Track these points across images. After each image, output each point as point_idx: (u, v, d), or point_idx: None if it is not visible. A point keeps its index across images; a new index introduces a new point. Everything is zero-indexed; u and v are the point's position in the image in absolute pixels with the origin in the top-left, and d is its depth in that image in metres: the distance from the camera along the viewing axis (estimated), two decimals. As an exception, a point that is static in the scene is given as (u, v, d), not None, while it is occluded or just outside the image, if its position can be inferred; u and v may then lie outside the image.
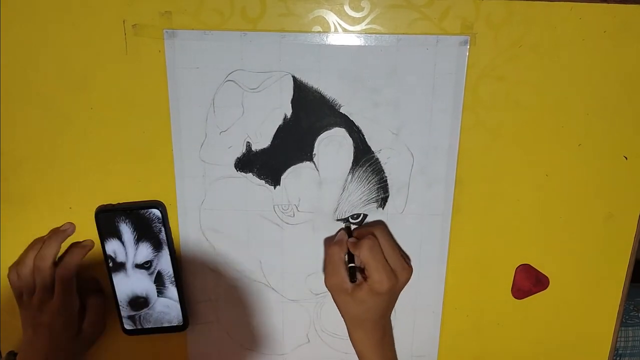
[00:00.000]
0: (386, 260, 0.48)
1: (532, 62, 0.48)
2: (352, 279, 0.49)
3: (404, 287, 0.50)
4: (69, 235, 0.53)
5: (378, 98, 0.49)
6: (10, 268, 0.53)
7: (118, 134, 0.51)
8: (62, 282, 0.51)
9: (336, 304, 0.52)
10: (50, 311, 0.51)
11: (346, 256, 0.50)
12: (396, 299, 0.52)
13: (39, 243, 0.53)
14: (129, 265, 0.53)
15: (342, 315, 0.52)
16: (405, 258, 0.52)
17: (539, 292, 0.55)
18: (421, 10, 0.47)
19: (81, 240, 0.54)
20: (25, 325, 0.53)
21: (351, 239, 0.50)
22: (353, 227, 0.53)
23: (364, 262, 0.48)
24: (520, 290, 0.55)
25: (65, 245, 0.54)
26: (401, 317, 0.57)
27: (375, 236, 0.49)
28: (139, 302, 0.55)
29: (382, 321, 0.51)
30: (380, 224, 0.53)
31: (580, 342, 0.59)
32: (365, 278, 0.49)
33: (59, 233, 0.53)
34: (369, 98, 0.49)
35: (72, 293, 0.52)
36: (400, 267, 0.49)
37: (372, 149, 0.51)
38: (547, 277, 0.55)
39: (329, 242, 0.53)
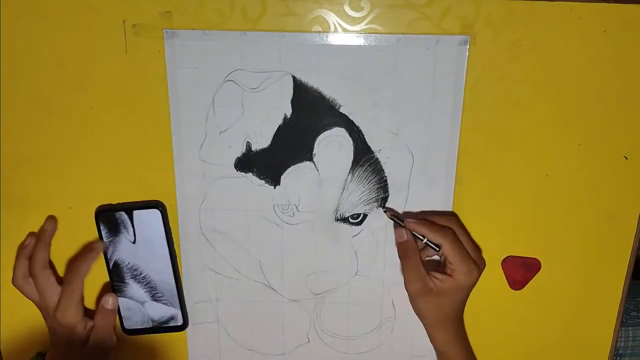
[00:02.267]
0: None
1: (532, 62, 0.48)
2: (436, 249, 0.48)
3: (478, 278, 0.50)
4: (53, 232, 0.52)
5: (378, 98, 0.49)
6: (13, 282, 0.52)
7: (118, 134, 0.51)
8: (69, 284, 0.50)
9: (417, 308, 0.51)
10: (57, 317, 0.50)
11: (419, 240, 0.49)
12: (469, 294, 0.51)
13: (23, 250, 0.52)
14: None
15: (422, 318, 0.51)
16: (479, 250, 0.52)
17: (534, 276, 0.55)
18: (421, 10, 0.47)
19: (92, 242, 0.53)
20: (49, 329, 0.52)
21: (421, 222, 0.49)
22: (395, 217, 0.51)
23: (447, 255, 0.48)
24: (516, 281, 0.55)
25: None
26: (401, 317, 0.57)
27: (452, 228, 0.49)
28: (133, 307, 0.54)
29: (461, 317, 0.52)
30: (452, 215, 0.53)
31: (580, 342, 0.59)
32: (448, 273, 0.48)
33: (42, 234, 0.52)
34: (369, 98, 0.49)
35: (77, 299, 0.50)
36: (478, 258, 0.49)
37: (372, 149, 0.51)
38: (535, 259, 0.55)
39: (400, 251, 0.51)
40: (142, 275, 0.53)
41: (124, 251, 0.52)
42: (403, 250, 0.50)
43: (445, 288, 0.48)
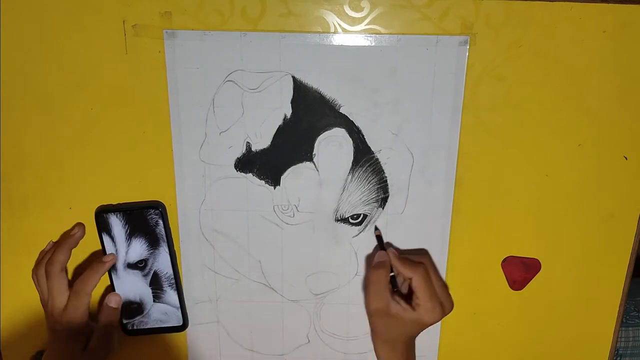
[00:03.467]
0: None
1: (532, 62, 0.48)
2: (395, 287, 0.50)
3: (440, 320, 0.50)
4: (79, 239, 0.52)
5: (378, 98, 0.49)
6: (32, 270, 0.52)
7: (118, 134, 0.51)
8: (77, 296, 0.50)
9: (373, 325, 0.51)
10: (60, 320, 0.50)
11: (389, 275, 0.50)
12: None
13: (52, 246, 0.52)
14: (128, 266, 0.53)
15: (372, 333, 0.52)
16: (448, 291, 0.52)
17: (534, 276, 0.55)
18: (421, 10, 0.47)
19: (104, 256, 0.52)
20: (48, 328, 0.52)
21: (393, 253, 0.50)
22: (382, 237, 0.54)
23: (416, 289, 0.48)
24: (515, 281, 0.55)
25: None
26: (401, 317, 0.57)
27: (425, 264, 0.50)
28: (132, 308, 0.54)
29: (412, 341, 0.52)
30: (425, 254, 0.54)
31: (580, 342, 0.59)
32: (412, 305, 0.49)
33: (69, 238, 0.51)
34: (368, 98, 0.49)
35: (84, 308, 0.51)
36: (446, 299, 0.50)
37: (372, 149, 0.51)
38: (535, 259, 0.55)
39: (372, 266, 0.52)
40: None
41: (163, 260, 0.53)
42: (377, 270, 0.50)
43: (405, 317, 0.49)
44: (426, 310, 0.48)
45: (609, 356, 0.59)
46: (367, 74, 0.49)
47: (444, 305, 0.49)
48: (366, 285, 0.54)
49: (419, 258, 0.51)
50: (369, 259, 0.55)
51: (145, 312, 0.55)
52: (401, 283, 0.51)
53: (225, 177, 0.52)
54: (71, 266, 0.55)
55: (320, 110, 0.50)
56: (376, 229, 0.53)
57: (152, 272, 0.53)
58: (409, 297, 0.50)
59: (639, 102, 0.50)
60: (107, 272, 0.53)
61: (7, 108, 0.50)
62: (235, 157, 0.51)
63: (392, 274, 0.50)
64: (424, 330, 0.52)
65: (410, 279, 0.49)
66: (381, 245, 0.53)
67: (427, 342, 0.58)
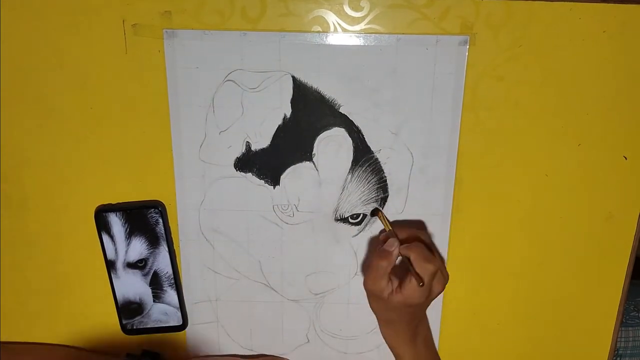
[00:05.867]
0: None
1: (532, 62, 0.48)
2: (420, 282, 0.46)
3: (437, 296, 0.49)
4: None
5: (378, 98, 0.49)
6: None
7: (118, 133, 0.51)
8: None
9: (370, 305, 0.52)
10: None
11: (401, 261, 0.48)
12: (429, 304, 0.51)
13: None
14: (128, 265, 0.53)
15: (374, 313, 0.52)
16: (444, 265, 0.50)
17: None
18: (421, 10, 0.47)
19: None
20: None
21: (401, 247, 0.48)
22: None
23: (414, 267, 0.47)
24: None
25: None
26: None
27: (422, 241, 0.48)
28: (132, 308, 0.54)
29: (415, 322, 0.51)
30: (424, 228, 0.53)
31: (580, 342, 0.59)
32: (400, 288, 0.47)
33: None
34: (368, 98, 0.49)
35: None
36: (437, 278, 0.48)
37: (372, 149, 0.51)
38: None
39: (375, 246, 0.51)
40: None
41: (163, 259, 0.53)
42: (382, 259, 0.48)
43: (395, 299, 0.47)
44: (408, 296, 0.46)
45: (608, 356, 0.59)
46: (367, 73, 0.49)
47: (433, 286, 0.47)
48: (367, 266, 0.54)
49: (414, 235, 0.49)
50: (372, 239, 0.54)
51: (145, 312, 0.55)
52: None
53: (224, 176, 0.52)
54: (71, 266, 0.55)
55: (320, 109, 0.50)
56: (376, 209, 0.52)
57: (151, 271, 0.53)
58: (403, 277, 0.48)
59: (639, 102, 0.50)
60: (107, 272, 0.53)
61: (7, 108, 0.50)
62: (235, 157, 0.51)
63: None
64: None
65: (408, 258, 0.47)
66: (386, 225, 0.50)
67: (426, 342, 0.58)
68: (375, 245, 0.53)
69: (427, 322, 0.55)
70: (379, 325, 0.53)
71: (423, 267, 0.46)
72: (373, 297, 0.50)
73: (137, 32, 0.48)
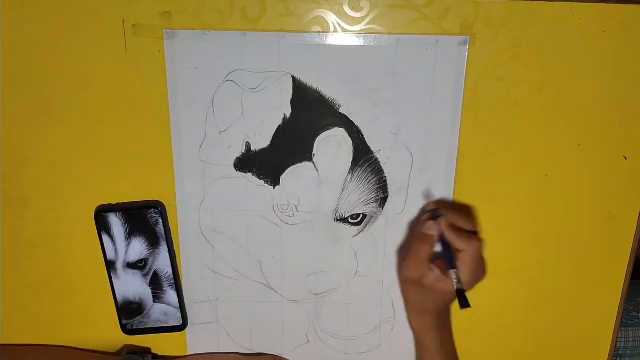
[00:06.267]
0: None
1: (532, 62, 0.48)
2: (464, 305, 0.46)
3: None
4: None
5: (377, 98, 0.49)
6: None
7: (118, 134, 0.51)
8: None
9: (404, 293, 0.51)
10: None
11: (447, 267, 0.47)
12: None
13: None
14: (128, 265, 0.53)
15: (404, 301, 0.52)
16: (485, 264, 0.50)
17: None
18: (421, 10, 0.47)
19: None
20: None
21: (449, 225, 0.46)
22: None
23: (462, 261, 0.46)
24: None
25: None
26: (401, 317, 0.57)
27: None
28: (132, 308, 0.54)
29: (447, 312, 0.51)
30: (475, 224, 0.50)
31: (580, 342, 0.59)
32: (448, 275, 0.46)
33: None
34: (368, 98, 0.49)
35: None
36: (483, 273, 0.48)
37: (372, 149, 0.51)
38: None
39: (417, 230, 0.49)
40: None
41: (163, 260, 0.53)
42: (421, 244, 0.48)
43: (438, 286, 0.48)
44: (462, 283, 0.46)
45: (608, 356, 0.59)
46: (367, 74, 0.49)
47: (480, 278, 0.48)
48: (404, 252, 0.52)
49: (473, 229, 0.48)
50: (411, 224, 0.53)
51: (145, 312, 0.55)
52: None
53: (224, 177, 0.52)
54: (71, 266, 0.55)
55: (319, 110, 0.50)
56: (433, 205, 0.50)
57: (151, 271, 0.53)
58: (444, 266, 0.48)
59: (639, 102, 0.50)
60: (107, 272, 0.53)
61: (7, 108, 0.50)
62: (234, 157, 0.51)
63: (459, 288, 0.46)
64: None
65: (463, 250, 0.46)
66: (433, 211, 0.48)
67: (426, 342, 0.58)
68: (414, 229, 0.51)
69: (450, 321, 0.54)
70: (409, 314, 0.52)
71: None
72: (411, 284, 0.49)
73: (137, 33, 0.48)
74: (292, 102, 0.49)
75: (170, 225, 0.53)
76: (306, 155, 0.51)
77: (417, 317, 0.51)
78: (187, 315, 0.56)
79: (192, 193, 0.53)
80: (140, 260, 0.53)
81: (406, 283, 0.50)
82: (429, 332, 0.50)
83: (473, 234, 0.47)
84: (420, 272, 0.48)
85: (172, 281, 0.54)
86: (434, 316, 0.50)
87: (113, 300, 0.55)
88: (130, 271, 0.53)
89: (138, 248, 0.53)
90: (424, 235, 0.48)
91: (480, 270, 0.47)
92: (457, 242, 0.46)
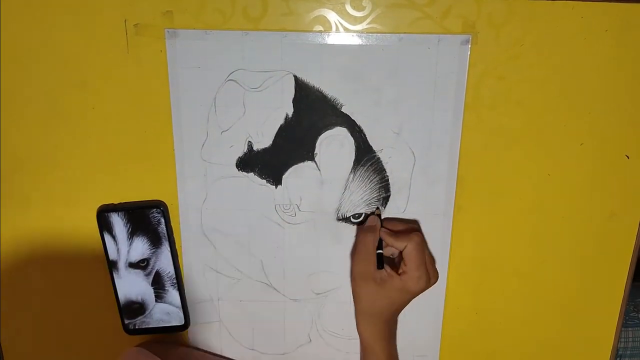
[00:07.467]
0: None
1: (534, 61, 0.48)
2: (380, 266, 0.49)
3: (425, 290, 0.50)
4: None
5: (379, 97, 0.49)
6: None
7: (119, 133, 0.51)
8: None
9: (356, 293, 0.52)
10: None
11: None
12: (410, 301, 0.51)
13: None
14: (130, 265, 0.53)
15: (356, 305, 0.52)
16: (434, 264, 0.53)
17: None
18: (422, 9, 0.47)
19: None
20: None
21: (385, 231, 0.50)
22: (382, 215, 0.53)
23: (407, 257, 0.48)
24: None
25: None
26: (403, 317, 0.57)
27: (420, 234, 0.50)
28: (134, 308, 0.54)
29: (394, 319, 0.52)
30: (417, 224, 0.53)
31: (581, 343, 0.59)
32: (399, 272, 0.49)
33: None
34: (370, 97, 0.49)
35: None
36: (433, 270, 0.50)
37: (374, 148, 0.51)
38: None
39: (361, 228, 0.53)
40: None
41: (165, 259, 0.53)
42: (367, 234, 0.50)
43: (390, 284, 0.49)
44: (413, 278, 0.48)
45: (610, 356, 0.59)
46: (369, 73, 0.49)
47: (431, 275, 0.49)
48: (354, 249, 0.54)
49: (410, 226, 0.51)
50: (357, 229, 0.55)
51: (147, 312, 0.55)
52: (390, 253, 0.51)
53: (226, 176, 0.52)
54: (71, 266, 0.55)
55: (321, 109, 0.50)
56: (377, 208, 0.53)
57: (154, 271, 0.53)
58: (396, 266, 0.50)
59: (641, 101, 0.50)
60: (108, 271, 0.53)
61: (8, 108, 0.50)
62: (236, 157, 0.51)
63: (379, 251, 0.50)
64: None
65: (405, 246, 0.48)
66: (381, 223, 0.52)
67: (428, 342, 0.58)
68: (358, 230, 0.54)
69: (396, 329, 0.55)
70: (358, 320, 0.53)
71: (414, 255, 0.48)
72: (362, 280, 0.50)
73: (138, 32, 0.48)
74: (294, 101, 0.49)
75: (172, 225, 0.53)
76: (308, 154, 0.51)
77: (367, 322, 0.52)
78: (189, 315, 0.56)
79: (194, 193, 0.53)
80: (142, 260, 0.53)
81: (358, 279, 0.51)
82: (379, 340, 0.51)
83: (412, 232, 0.50)
84: (370, 264, 0.49)
85: (174, 281, 0.54)
86: (384, 323, 0.51)
87: (115, 300, 0.54)
88: (132, 271, 0.53)
89: (140, 248, 0.52)
90: (368, 226, 0.51)
91: (429, 265, 0.49)
92: (396, 242, 0.49)
